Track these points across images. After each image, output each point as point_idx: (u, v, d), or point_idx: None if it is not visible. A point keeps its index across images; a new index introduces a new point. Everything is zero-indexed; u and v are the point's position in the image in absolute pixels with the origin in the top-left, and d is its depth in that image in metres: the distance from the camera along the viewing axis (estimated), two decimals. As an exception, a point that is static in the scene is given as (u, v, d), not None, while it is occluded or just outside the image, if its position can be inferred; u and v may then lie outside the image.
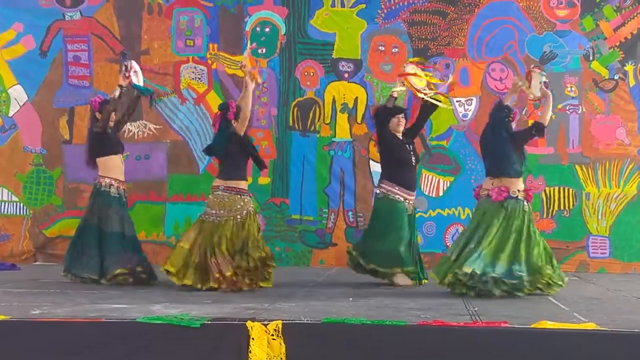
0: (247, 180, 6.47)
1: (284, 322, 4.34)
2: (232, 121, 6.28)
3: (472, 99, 8.46)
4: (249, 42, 8.04)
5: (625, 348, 4.19)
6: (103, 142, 6.77)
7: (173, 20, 8.74)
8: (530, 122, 8.24)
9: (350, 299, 5.62)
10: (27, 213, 8.70)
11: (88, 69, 8.77)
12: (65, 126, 8.69)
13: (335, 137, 8.55)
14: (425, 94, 6.70)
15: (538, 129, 6.30)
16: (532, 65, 7.12)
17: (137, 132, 8.67)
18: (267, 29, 8.67)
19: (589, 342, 4.23)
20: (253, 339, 4.28)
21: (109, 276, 6.53)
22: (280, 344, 4.28)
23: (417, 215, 7.23)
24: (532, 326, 4.34)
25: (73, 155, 8.64)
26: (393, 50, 8.57)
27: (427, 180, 8.34)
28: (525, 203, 6.12)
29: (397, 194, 6.68)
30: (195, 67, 8.72)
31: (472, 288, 5.77)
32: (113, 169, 6.78)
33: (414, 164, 6.78)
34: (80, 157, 8.61)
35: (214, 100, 8.66)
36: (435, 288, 6.38)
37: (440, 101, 6.75)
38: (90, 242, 6.62)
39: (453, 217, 8.35)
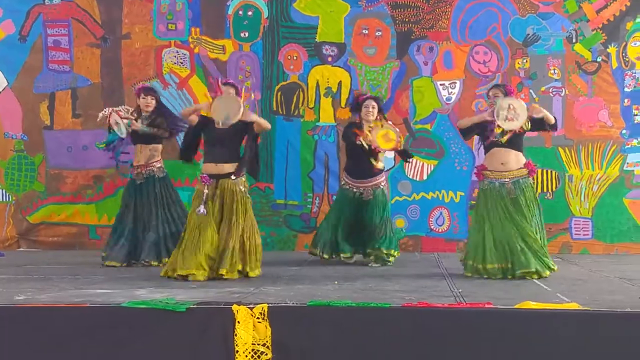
0: None
1: (270, 305, 4.35)
2: None
3: (455, 82, 8.45)
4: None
5: (608, 328, 4.23)
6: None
7: (154, 3, 8.63)
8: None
9: (336, 282, 5.63)
10: (10, 199, 8.63)
11: (68, 53, 8.68)
12: (46, 112, 8.60)
13: (319, 121, 8.53)
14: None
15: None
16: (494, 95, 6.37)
17: (120, 117, 8.59)
18: (249, 13, 8.60)
19: (572, 322, 4.26)
20: (239, 322, 4.28)
21: None
22: (266, 327, 4.28)
23: (401, 199, 7.76)
24: (515, 307, 4.38)
25: (54, 141, 8.57)
26: (377, 33, 8.54)
27: (411, 164, 8.33)
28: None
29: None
30: (177, 52, 8.64)
31: None
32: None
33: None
34: (61, 142, 8.62)
35: (197, 85, 8.61)
36: (420, 270, 6.41)
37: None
38: None
39: (437, 200, 8.36)
